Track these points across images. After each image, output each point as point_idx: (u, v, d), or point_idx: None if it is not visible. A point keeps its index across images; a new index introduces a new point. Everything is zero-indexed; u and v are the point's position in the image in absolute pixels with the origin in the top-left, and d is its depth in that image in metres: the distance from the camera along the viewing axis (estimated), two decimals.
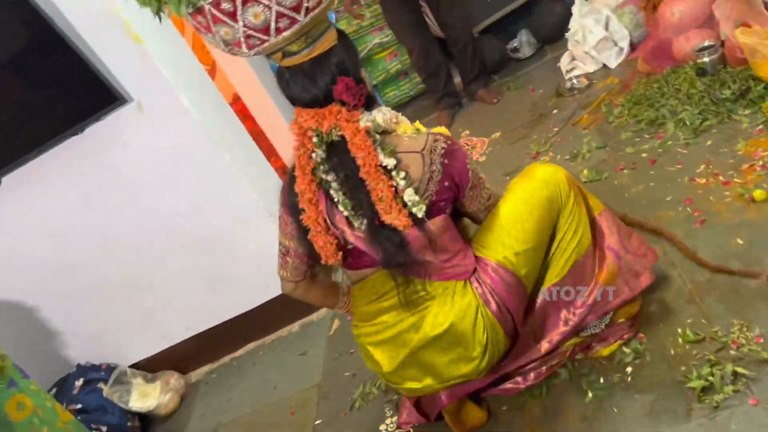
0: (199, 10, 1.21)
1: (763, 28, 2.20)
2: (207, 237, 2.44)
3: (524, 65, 3.50)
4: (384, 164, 1.37)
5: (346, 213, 1.42)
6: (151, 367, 2.71)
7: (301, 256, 1.58)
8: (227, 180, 2.32)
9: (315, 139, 1.39)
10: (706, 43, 2.43)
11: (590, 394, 1.63)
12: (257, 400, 2.42)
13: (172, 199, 2.34)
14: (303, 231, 1.49)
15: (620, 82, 2.80)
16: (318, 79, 1.35)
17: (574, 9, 3.08)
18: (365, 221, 1.40)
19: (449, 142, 1.47)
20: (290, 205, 1.50)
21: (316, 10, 1.26)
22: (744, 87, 2.22)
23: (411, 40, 3.21)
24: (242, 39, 1.24)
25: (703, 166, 2.09)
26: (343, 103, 1.36)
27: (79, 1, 1.99)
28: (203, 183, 2.32)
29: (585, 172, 2.38)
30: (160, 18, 1.29)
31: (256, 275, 2.49)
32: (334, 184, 1.41)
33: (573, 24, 3.05)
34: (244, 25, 1.22)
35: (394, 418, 1.91)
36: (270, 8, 1.20)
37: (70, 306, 2.56)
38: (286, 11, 1.22)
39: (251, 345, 2.72)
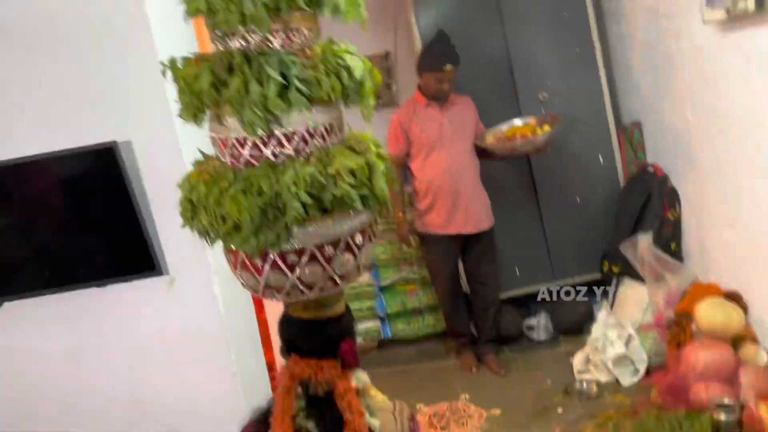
0: (262, 254, 1.27)
1: None
2: None
3: (537, 347, 3.50)
4: (369, 425, 1.43)
5: None
6: None
7: None
8: (221, 384, 2.22)
9: (299, 388, 1.44)
10: (726, 401, 2.42)
11: None
12: None
13: (156, 382, 2.24)
14: None
15: (630, 404, 2.77)
16: (328, 336, 1.44)
17: (600, 315, 3.16)
18: None
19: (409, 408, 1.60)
20: None
21: (353, 280, 1.39)
22: None
23: (442, 289, 3.31)
24: (287, 289, 1.30)
25: None
26: (342, 362, 1.44)
27: (159, 177, 2.08)
28: (196, 377, 2.23)
29: None
30: None
31: None
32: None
33: (596, 330, 3.11)
34: (297, 278, 1.29)
35: None
36: (325, 271, 1.30)
37: None
38: (336, 277, 1.32)
39: None
